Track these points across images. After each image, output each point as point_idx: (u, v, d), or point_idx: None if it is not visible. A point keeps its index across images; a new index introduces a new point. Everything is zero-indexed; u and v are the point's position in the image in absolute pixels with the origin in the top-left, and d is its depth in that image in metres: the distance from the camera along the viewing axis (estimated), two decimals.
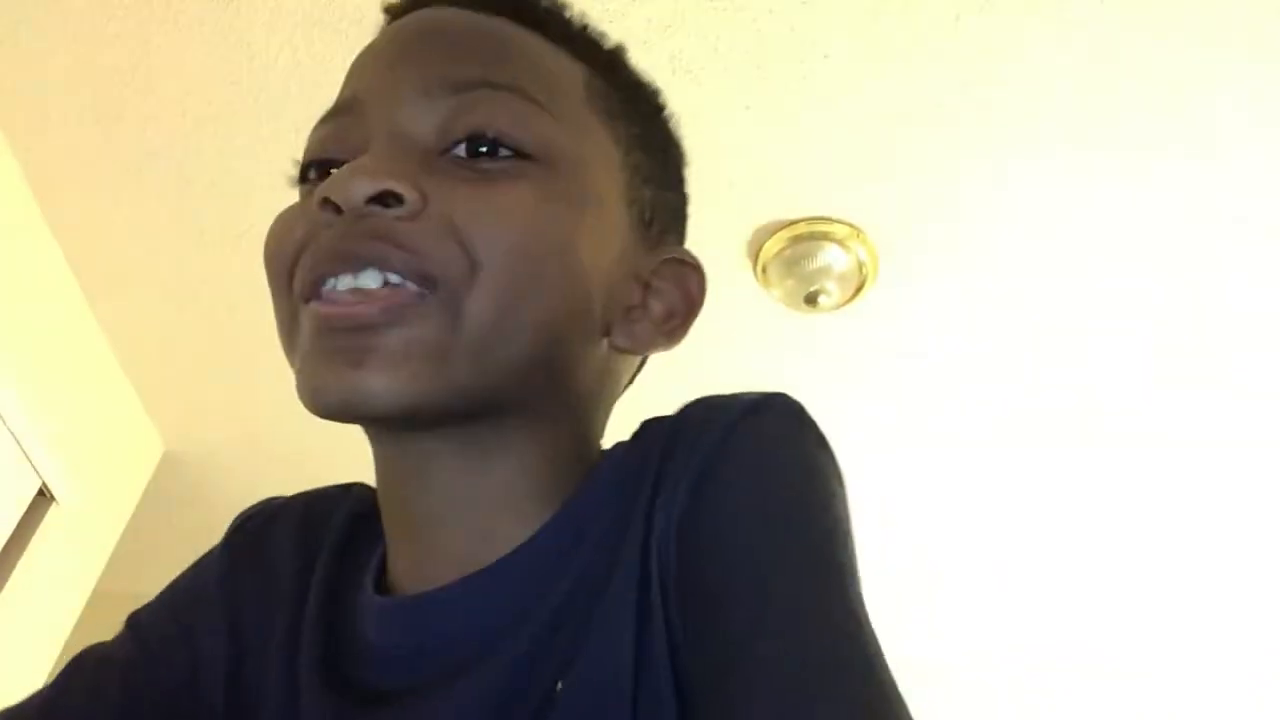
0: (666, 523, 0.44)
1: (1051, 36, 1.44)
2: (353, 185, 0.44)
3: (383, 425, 0.50)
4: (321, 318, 0.45)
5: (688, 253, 0.59)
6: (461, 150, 0.47)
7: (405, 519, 0.52)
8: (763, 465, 0.46)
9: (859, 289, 1.83)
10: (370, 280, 0.44)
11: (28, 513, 2.05)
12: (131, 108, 1.72)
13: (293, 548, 0.58)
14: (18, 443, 1.94)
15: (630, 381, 0.61)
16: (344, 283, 0.45)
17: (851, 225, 1.74)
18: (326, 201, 0.45)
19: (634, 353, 0.55)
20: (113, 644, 0.57)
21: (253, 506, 0.66)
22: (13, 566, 2.02)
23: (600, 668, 0.42)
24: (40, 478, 2.03)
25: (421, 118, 0.48)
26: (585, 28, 0.57)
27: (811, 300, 1.82)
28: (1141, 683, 2.85)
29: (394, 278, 0.44)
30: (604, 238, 0.51)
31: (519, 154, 0.48)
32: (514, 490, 0.50)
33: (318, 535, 0.59)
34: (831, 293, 1.82)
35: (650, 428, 0.52)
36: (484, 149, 0.47)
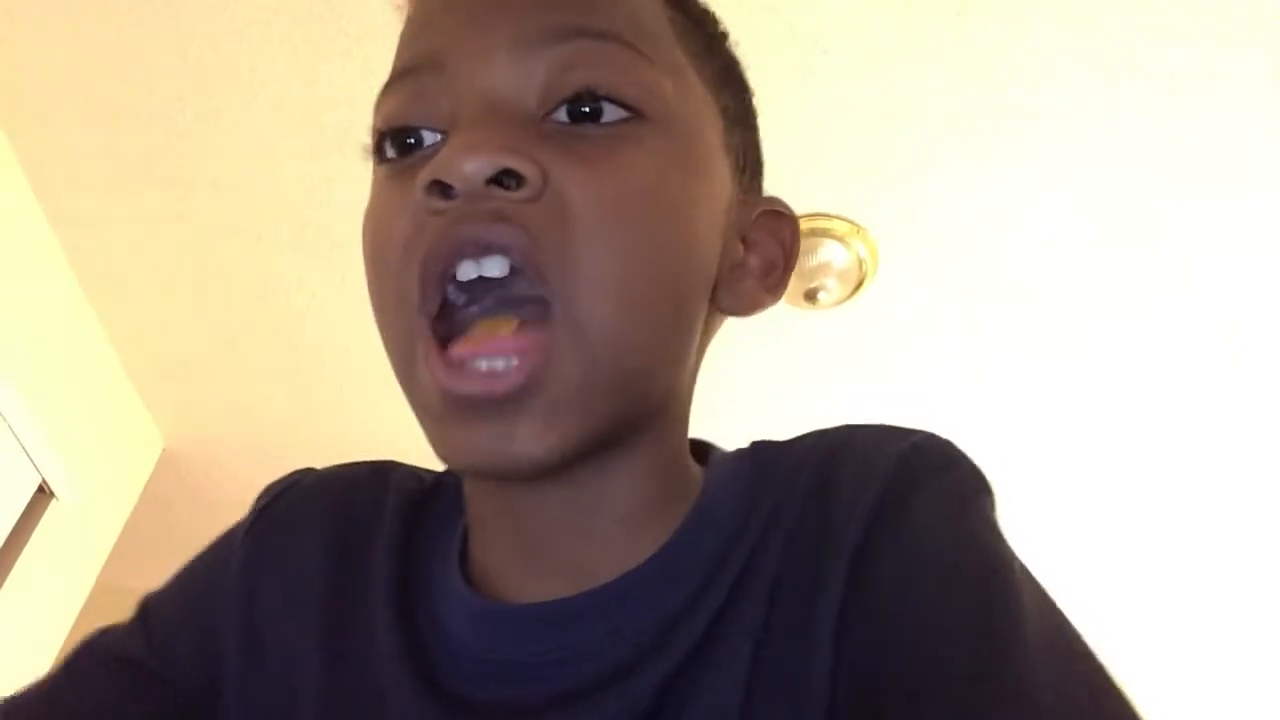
0: (829, 577, 0.40)
1: (1052, 35, 1.44)
2: (469, 164, 0.39)
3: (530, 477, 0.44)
4: (452, 398, 0.40)
5: (782, 202, 0.55)
6: (564, 113, 0.42)
7: (515, 537, 0.47)
8: (941, 528, 0.41)
9: (859, 285, 1.83)
10: (495, 268, 0.40)
11: (27, 509, 2.05)
12: (132, 105, 1.71)
13: (332, 535, 0.52)
14: (17, 439, 1.94)
15: None
16: (465, 271, 0.40)
17: (851, 222, 1.74)
18: (435, 184, 0.39)
19: (740, 314, 0.51)
20: (123, 634, 0.53)
21: (280, 482, 0.58)
22: (12, 563, 2.03)
23: (718, 696, 0.40)
24: (40, 474, 2.03)
25: (518, 76, 0.42)
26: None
27: (811, 297, 1.82)
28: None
29: (517, 263, 0.40)
30: (716, 198, 0.47)
31: (629, 113, 0.42)
32: (630, 501, 0.46)
33: (363, 525, 0.53)
34: (831, 289, 1.82)
35: (781, 456, 0.49)
36: (588, 109, 0.42)
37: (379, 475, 0.57)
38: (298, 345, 2.19)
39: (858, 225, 1.74)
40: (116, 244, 1.99)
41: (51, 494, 2.09)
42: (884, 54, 1.49)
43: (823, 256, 1.77)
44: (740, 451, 0.50)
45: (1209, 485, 2.24)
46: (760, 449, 0.50)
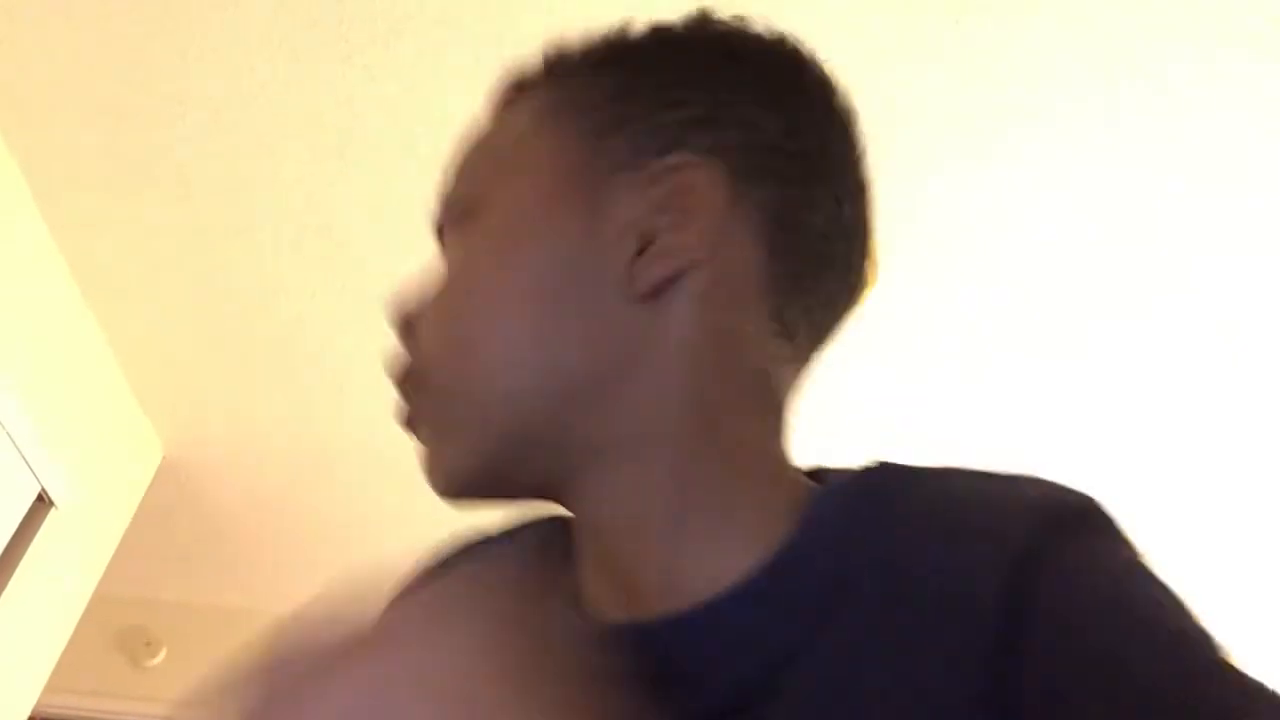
0: (975, 609, 0.39)
1: (1052, 36, 1.44)
2: (388, 314, 0.52)
3: (492, 501, 0.50)
4: None
5: (670, 157, 0.48)
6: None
7: (587, 558, 0.49)
8: (1115, 564, 0.41)
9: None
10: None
11: (27, 517, 2.04)
12: (132, 108, 1.71)
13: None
14: (17, 447, 1.93)
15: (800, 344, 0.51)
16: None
17: None
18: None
19: (664, 283, 0.46)
20: None
21: (442, 557, 0.61)
22: (12, 570, 2.02)
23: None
24: (40, 482, 2.03)
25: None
26: (547, 58, 0.54)
27: None
28: None
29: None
30: (549, 235, 0.48)
31: (452, 227, 0.51)
32: (655, 517, 0.46)
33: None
34: None
35: (915, 482, 0.46)
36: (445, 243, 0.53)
37: (512, 538, 0.59)
38: (297, 351, 2.19)
39: None
40: (116, 249, 1.99)
41: (51, 502, 2.09)
42: (883, 54, 1.49)
43: None
44: (867, 470, 0.47)
45: (1209, 484, 2.24)
46: (893, 472, 0.47)
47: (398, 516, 2.74)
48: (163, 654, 3.20)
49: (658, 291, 0.46)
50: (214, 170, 1.80)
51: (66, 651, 2.29)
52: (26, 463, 1.97)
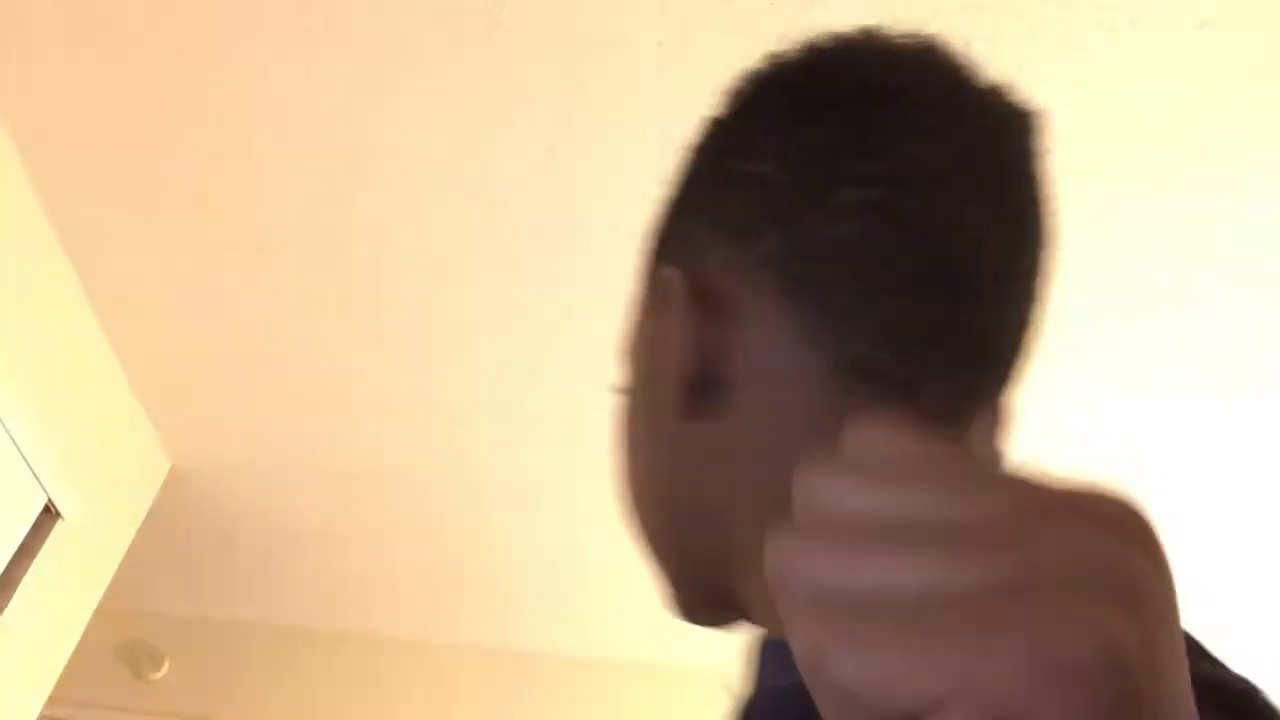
0: None
1: (1060, 56, 1.44)
2: None
3: (735, 621, 0.52)
4: None
5: (667, 274, 0.48)
6: None
7: None
8: None
9: None
10: None
11: (33, 529, 2.04)
12: (144, 127, 1.72)
13: None
14: (24, 458, 1.94)
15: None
16: None
17: None
18: None
19: (688, 393, 0.47)
20: None
21: None
22: (18, 582, 2.02)
23: None
24: (46, 494, 2.03)
25: None
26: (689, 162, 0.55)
27: None
28: None
29: None
30: (638, 382, 0.52)
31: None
32: None
33: None
34: None
35: None
36: None
37: None
38: (306, 367, 2.19)
39: None
40: (126, 263, 2.00)
41: (57, 514, 2.09)
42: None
43: None
44: None
45: (1211, 487, 2.22)
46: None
47: (404, 532, 2.74)
48: (166, 667, 3.19)
49: (692, 403, 0.45)
50: (224, 187, 1.81)
51: (70, 663, 2.28)
52: (34, 474, 1.98)
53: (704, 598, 0.49)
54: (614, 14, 1.45)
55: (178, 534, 2.80)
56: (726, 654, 2.62)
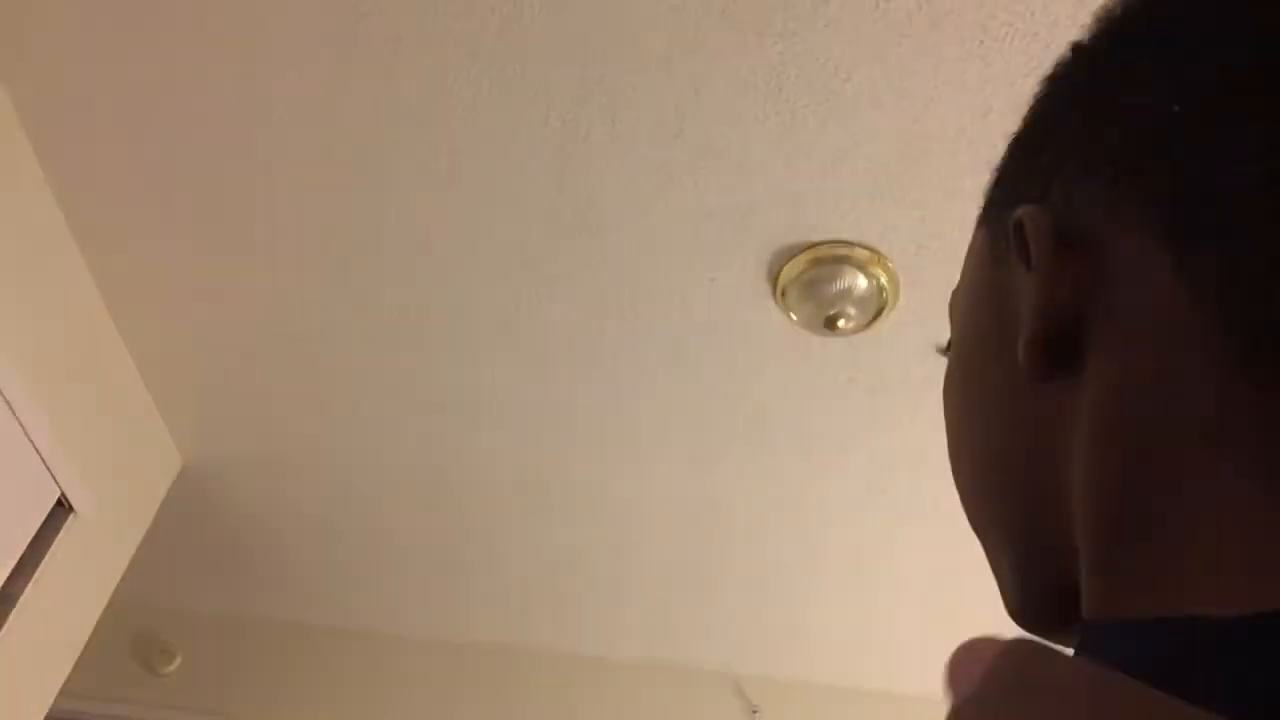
0: None
1: None
2: None
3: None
4: None
5: (1023, 214, 0.44)
6: None
7: None
8: None
9: (879, 313, 1.82)
10: None
11: (46, 522, 2.06)
12: (157, 121, 1.74)
13: None
14: (38, 453, 1.95)
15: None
16: None
17: (872, 249, 1.73)
18: None
19: (1043, 353, 0.41)
20: None
21: None
22: (31, 575, 2.04)
23: None
24: (60, 488, 2.05)
25: None
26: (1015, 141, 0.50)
27: (831, 323, 1.82)
28: None
29: None
30: (977, 348, 0.47)
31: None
32: None
33: None
34: (851, 316, 1.81)
35: None
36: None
37: None
38: (316, 364, 2.20)
39: (878, 252, 1.74)
40: (140, 261, 2.01)
41: (71, 508, 2.11)
42: (906, 81, 1.49)
43: (843, 283, 1.76)
44: None
45: None
46: None
47: (413, 530, 2.75)
48: (177, 661, 3.21)
49: (1051, 365, 0.40)
50: (236, 185, 1.82)
51: (82, 657, 2.30)
52: (48, 469, 1.99)
53: (1052, 593, 0.41)
54: (626, 12, 1.45)
55: (189, 530, 2.82)
56: (732, 655, 2.62)
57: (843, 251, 1.74)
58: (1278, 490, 0.33)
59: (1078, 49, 0.46)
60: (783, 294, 1.82)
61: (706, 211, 1.72)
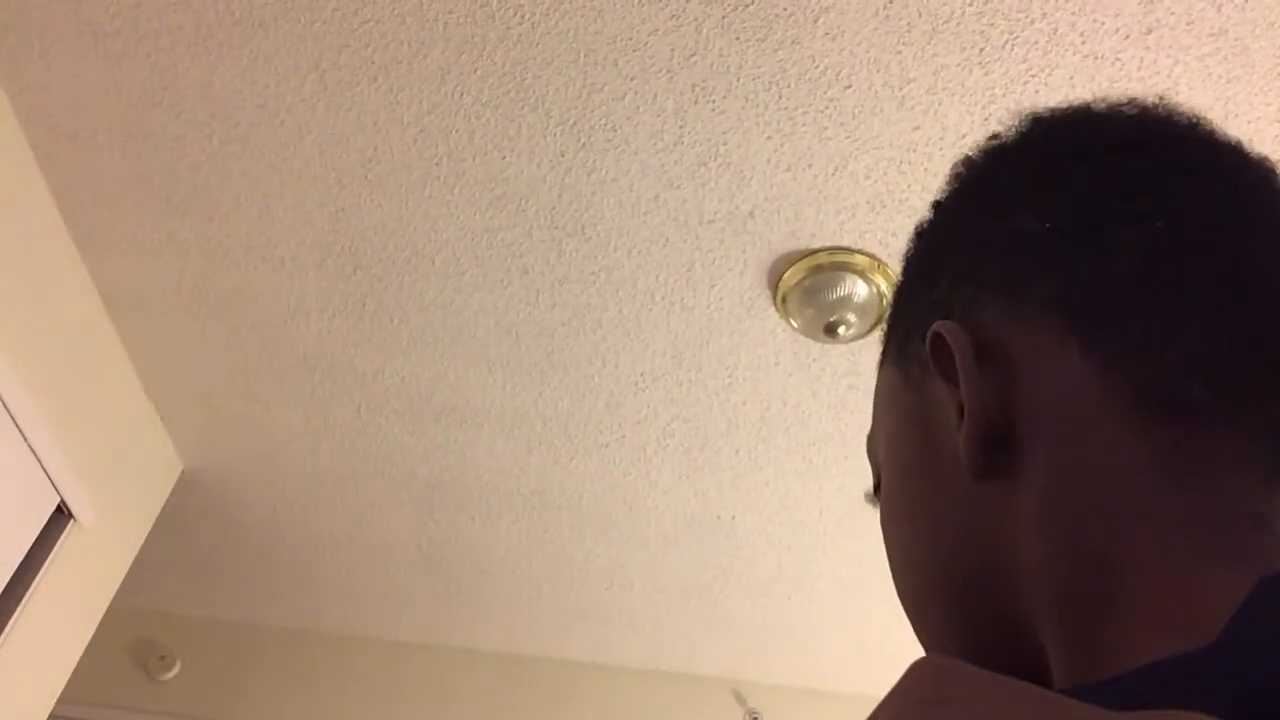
0: None
1: (1077, 71, 1.44)
2: None
3: None
4: None
5: (939, 327, 0.47)
6: None
7: None
8: None
9: (879, 320, 1.82)
10: None
11: (46, 529, 2.06)
12: (159, 129, 1.74)
13: None
14: (37, 459, 1.95)
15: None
16: None
17: (872, 256, 1.73)
18: None
19: (983, 452, 0.44)
20: None
21: None
22: (31, 582, 2.03)
23: None
24: (59, 495, 2.05)
25: None
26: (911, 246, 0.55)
27: (831, 330, 1.82)
28: None
29: None
30: (912, 460, 0.50)
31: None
32: None
33: None
34: (851, 323, 1.81)
35: None
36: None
37: None
38: (317, 369, 2.20)
39: (878, 259, 1.74)
40: (139, 265, 2.01)
41: (70, 515, 2.10)
42: (907, 89, 1.49)
43: (843, 290, 1.77)
44: None
45: None
46: None
47: (414, 537, 2.75)
48: (177, 668, 3.20)
49: (989, 458, 0.43)
50: (237, 190, 1.82)
51: (81, 663, 2.30)
52: (47, 475, 1.99)
53: (1006, 669, 0.43)
54: (627, 19, 1.45)
55: (189, 536, 2.82)
56: (732, 661, 2.62)
57: (843, 258, 1.74)
58: (1203, 535, 0.38)
59: (941, 204, 0.53)
60: (783, 301, 1.82)
61: (706, 218, 1.72)
